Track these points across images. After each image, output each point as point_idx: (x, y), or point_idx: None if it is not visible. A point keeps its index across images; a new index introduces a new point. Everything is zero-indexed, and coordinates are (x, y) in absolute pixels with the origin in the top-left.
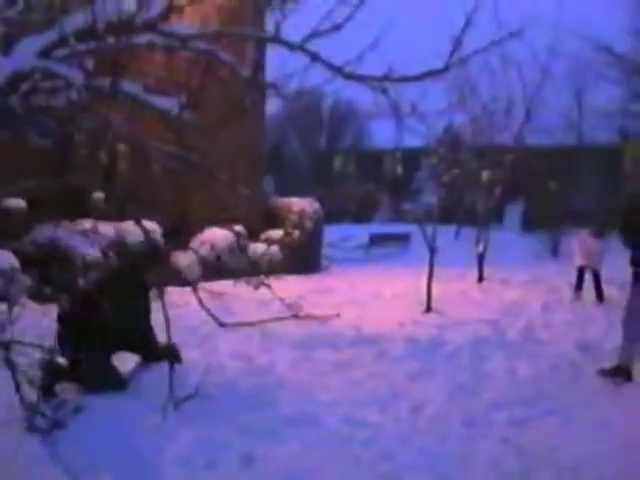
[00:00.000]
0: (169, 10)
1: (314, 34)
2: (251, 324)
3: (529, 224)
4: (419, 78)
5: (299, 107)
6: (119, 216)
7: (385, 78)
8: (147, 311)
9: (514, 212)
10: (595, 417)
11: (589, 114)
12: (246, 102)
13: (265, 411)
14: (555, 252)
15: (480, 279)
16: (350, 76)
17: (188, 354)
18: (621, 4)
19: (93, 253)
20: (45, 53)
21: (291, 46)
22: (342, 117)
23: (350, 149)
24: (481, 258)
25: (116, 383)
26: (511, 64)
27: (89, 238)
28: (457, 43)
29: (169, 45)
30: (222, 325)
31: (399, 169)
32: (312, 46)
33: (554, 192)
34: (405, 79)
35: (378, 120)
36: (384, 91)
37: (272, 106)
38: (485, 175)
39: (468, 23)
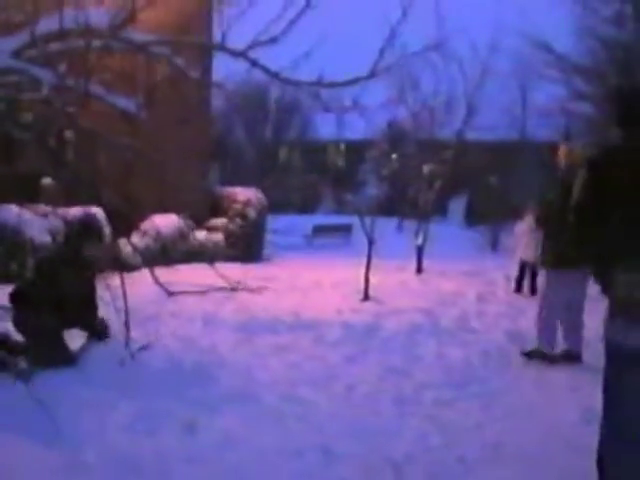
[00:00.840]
0: (127, 19)
1: (254, 44)
2: (194, 293)
3: (472, 218)
4: (346, 84)
5: (245, 99)
6: (67, 202)
7: (317, 83)
8: (92, 289)
9: (458, 206)
10: (519, 400)
11: (532, 112)
12: (194, 100)
13: (206, 387)
14: (495, 246)
15: (419, 270)
16: (286, 81)
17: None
18: (564, 3)
19: (42, 237)
20: (17, 53)
21: (234, 53)
22: (288, 109)
23: (295, 141)
24: (420, 250)
25: (65, 359)
26: (452, 60)
27: (38, 222)
28: (381, 53)
29: (128, 49)
30: (170, 294)
31: (342, 161)
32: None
33: (495, 187)
34: (334, 84)
35: (322, 113)
36: (316, 95)
37: (218, 99)
38: (426, 169)
39: (393, 36)
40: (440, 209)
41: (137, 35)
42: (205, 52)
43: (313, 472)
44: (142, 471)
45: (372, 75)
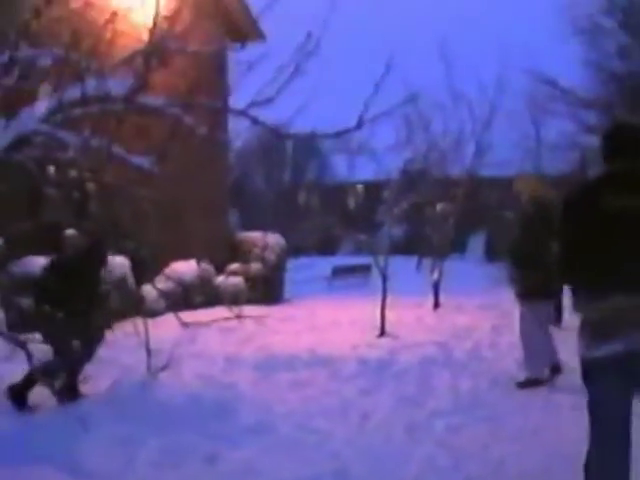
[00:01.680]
0: (140, 88)
1: (253, 104)
2: (207, 323)
3: (491, 254)
4: (337, 135)
5: (263, 144)
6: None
7: (312, 136)
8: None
9: (477, 243)
10: (526, 423)
11: (546, 146)
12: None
13: (227, 420)
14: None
15: (436, 306)
16: (283, 135)
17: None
18: (568, 39)
19: None
20: (45, 119)
21: (235, 112)
22: (305, 152)
23: (313, 183)
24: (436, 286)
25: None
26: (461, 100)
27: None
28: (366, 107)
29: (143, 112)
30: (185, 325)
31: (361, 203)
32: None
33: (511, 222)
34: (326, 136)
35: (340, 155)
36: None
37: (237, 143)
38: (439, 207)
39: (376, 90)
40: (459, 246)
41: (149, 99)
42: (212, 112)
43: None
44: None
45: (359, 126)
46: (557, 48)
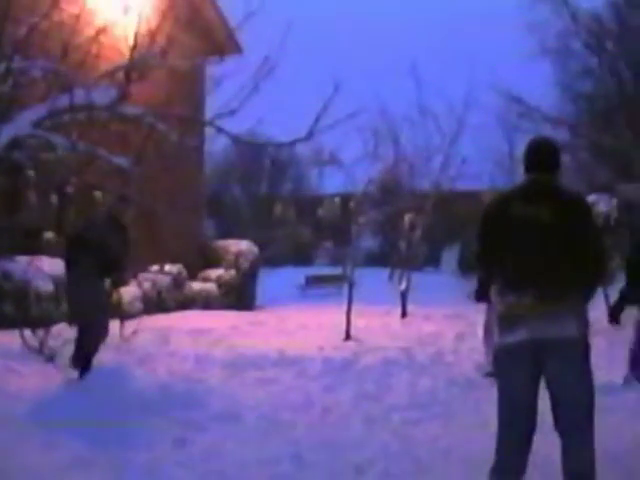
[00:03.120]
0: (121, 98)
1: (218, 115)
2: None
3: (465, 267)
4: (290, 144)
5: (242, 156)
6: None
7: (268, 143)
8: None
9: (451, 256)
10: (478, 418)
11: (517, 160)
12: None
13: (195, 409)
14: None
15: (403, 315)
16: (243, 142)
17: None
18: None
19: (46, 286)
20: (37, 124)
21: (203, 123)
22: (282, 163)
23: (289, 195)
24: (404, 295)
25: None
26: (429, 115)
27: (41, 273)
28: (316, 120)
29: (123, 120)
30: None
31: (337, 214)
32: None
33: None
34: (281, 144)
35: (313, 167)
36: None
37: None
38: (406, 218)
39: (326, 107)
40: (434, 259)
41: (130, 108)
42: (182, 122)
43: (287, 476)
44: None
45: (309, 137)
46: (525, 67)
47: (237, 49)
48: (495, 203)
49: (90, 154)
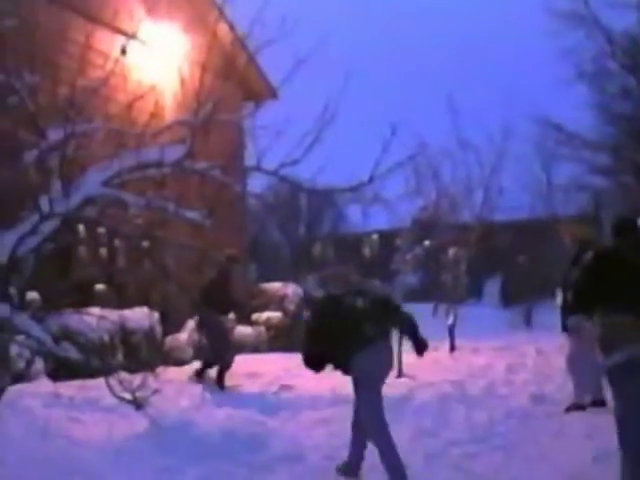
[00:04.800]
0: (189, 154)
1: (282, 165)
2: None
3: (507, 298)
4: (352, 189)
5: (279, 198)
6: (119, 305)
7: (331, 190)
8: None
9: (493, 287)
10: (537, 451)
11: (557, 189)
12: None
13: (260, 451)
14: (528, 322)
15: (452, 349)
16: (308, 191)
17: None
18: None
19: (102, 336)
20: (106, 182)
21: (268, 173)
22: (320, 204)
23: (328, 235)
24: (452, 329)
25: None
26: (469, 148)
27: (96, 324)
28: (376, 164)
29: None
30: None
31: (376, 252)
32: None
33: (524, 265)
34: (343, 190)
35: (353, 206)
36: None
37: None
38: (451, 252)
39: (385, 150)
40: (475, 292)
41: (196, 164)
42: (244, 172)
43: None
44: None
45: (371, 181)
46: (562, 92)
47: (273, 95)
48: (604, 252)
49: (163, 210)
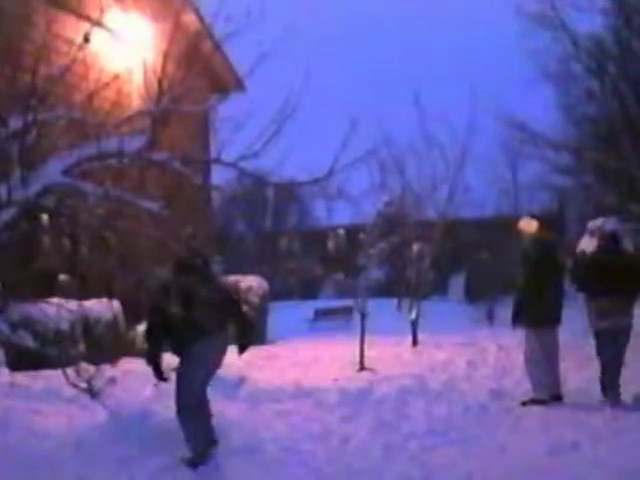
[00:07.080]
0: (151, 145)
1: (242, 157)
2: None
3: (471, 294)
4: (310, 183)
5: (244, 192)
6: (82, 296)
7: (291, 183)
8: None
9: (457, 283)
10: (494, 444)
11: (522, 187)
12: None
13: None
14: (490, 318)
15: (414, 343)
16: (267, 183)
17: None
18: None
19: (62, 326)
20: (66, 172)
21: (227, 165)
22: (285, 199)
23: (294, 229)
24: (414, 324)
25: None
26: (434, 144)
27: (57, 314)
28: (335, 159)
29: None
30: None
31: (342, 247)
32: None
33: (487, 262)
34: (304, 183)
35: (318, 200)
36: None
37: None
38: (415, 248)
39: (344, 145)
40: (440, 288)
41: (156, 154)
42: (205, 164)
43: None
44: None
45: (330, 174)
46: (528, 92)
47: (241, 87)
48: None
49: (121, 200)
